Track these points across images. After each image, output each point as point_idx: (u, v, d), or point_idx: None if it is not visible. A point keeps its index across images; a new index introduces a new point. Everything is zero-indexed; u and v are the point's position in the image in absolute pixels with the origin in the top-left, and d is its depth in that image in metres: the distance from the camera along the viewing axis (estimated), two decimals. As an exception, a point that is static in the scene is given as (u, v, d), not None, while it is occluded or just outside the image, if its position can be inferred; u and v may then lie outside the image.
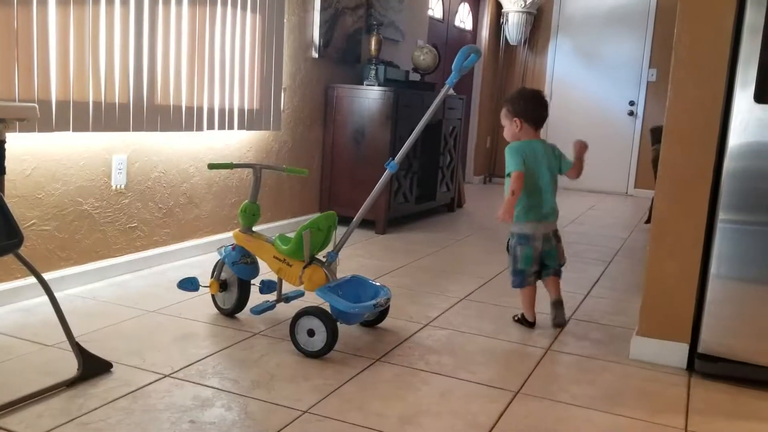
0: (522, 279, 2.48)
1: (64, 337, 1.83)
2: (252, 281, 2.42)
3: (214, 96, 3.24)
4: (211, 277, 2.43)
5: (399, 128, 4.16)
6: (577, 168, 2.48)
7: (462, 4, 6.80)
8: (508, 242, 2.52)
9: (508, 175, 2.39)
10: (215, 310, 2.45)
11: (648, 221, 4.98)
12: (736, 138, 2.03)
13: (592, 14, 7.27)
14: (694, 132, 2.10)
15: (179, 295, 2.56)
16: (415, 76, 4.86)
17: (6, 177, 1.71)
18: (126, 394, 1.74)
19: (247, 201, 2.41)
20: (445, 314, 2.62)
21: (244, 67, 3.43)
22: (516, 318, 2.56)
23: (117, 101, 2.70)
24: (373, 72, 4.29)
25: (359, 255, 3.54)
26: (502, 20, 7.39)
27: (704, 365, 2.11)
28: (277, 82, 3.70)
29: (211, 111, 3.22)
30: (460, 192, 5.43)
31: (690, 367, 2.16)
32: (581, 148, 2.48)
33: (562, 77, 7.46)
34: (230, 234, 2.96)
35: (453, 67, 2.30)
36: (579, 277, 3.34)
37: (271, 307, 2.36)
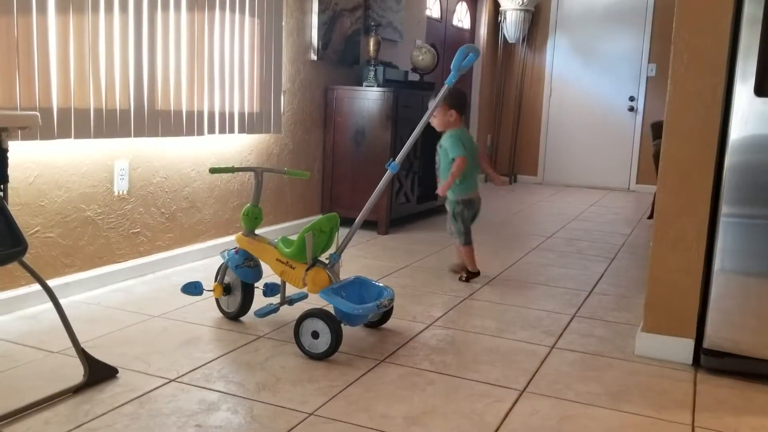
0: (467, 236, 3.10)
1: (69, 344, 1.83)
2: (255, 284, 2.42)
3: (215, 100, 3.24)
4: (215, 280, 2.43)
5: (399, 129, 4.17)
6: (484, 161, 3.27)
7: (459, 3, 6.80)
8: (453, 211, 3.09)
9: (452, 160, 2.97)
10: (219, 314, 2.45)
11: (651, 217, 4.98)
12: (737, 132, 2.02)
13: (590, 10, 7.27)
14: (695, 126, 2.10)
15: (183, 300, 2.57)
16: (414, 76, 4.86)
17: (9, 185, 1.72)
18: (132, 400, 1.75)
19: (249, 204, 2.41)
20: (448, 314, 2.62)
21: (243, 71, 3.43)
22: (462, 278, 3.09)
23: (118, 107, 2.71)
24: (372, 73, 4.29)
25: (362, 256, 3.54)
26: (500, 18, 7.39)
27: (710, 360, 2.11)
28: (276, 85, 3.70)
29: (211, 115, 3.23)
30: (461, 191, 5.43)
31: (696, 362, 2.16)
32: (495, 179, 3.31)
33: (562, 74, 7.46)
34: (233, 237, 2.96)
35: (452, 66, 2.30)
36: (582, 274, 3.34)
37: (274, 309, 2.37)
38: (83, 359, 1.82)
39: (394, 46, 5.06)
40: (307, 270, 2.22)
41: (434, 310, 2.64)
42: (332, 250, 2.29)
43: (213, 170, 2.36)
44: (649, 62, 7.01)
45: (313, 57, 4.06)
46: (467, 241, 3.11)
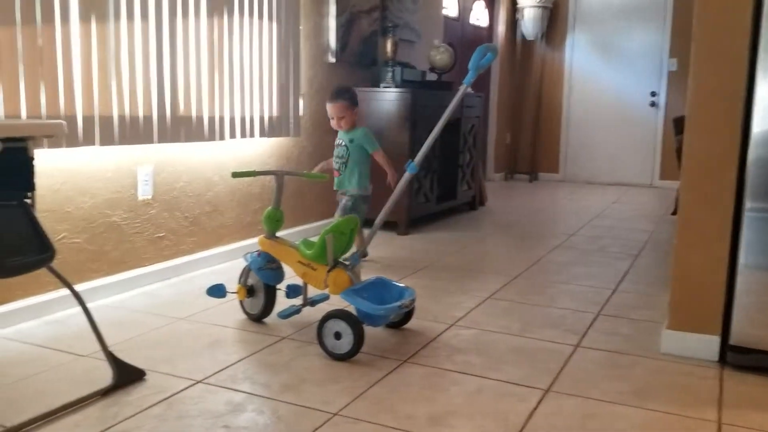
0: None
1: (97, 347, 1.87)
2: (278, 286, 2.45)
3: (235, 105, 3.28)
4: (238, 283, 2.46)
5: (417, 129, 4.17)
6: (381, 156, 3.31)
7: (477, 1, 6.78)
8: (352, 204, 3.16)
9: (369, 154, 3.21)
10: (243, 316, 2.48)
11: (674, 213, 4.92)
12: (759, 125, 2.00)
13: (608, 6, 7.20)
14: (717, 121, 2.07)
15: (208, 302, 2.60)
16: (431, 76, 4.86)
17: (36, 192, 1.75)
18: (160, 401, 1.78)
19: (270, 207, 2.44)
20: (470, 314, 2.62)
21: (262, 76, 3.46)
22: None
23: (141, 114, 2.75)
24: (389, 74, 4.30)
25: (382, 257, 3.55)
26: (517, 16, 7.36)
27: (736, 357, 2.08)
28: (295, 89, 3.73)
29: (232, 120, 3.26)
30: (481, 190, 5.42)
31: (722, 359, 2.13)
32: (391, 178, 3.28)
33: (581, 71, 7.39)
34: (255, 240, 2.99)
35: (470, 66, 2.29)
36: (606, 272, 3.31)
37: (297, 311, 2.39)
38: (111, 362, 1.85)
39: (411, 47, 5.06)
40: (328, 271, 2.24)
41: (456, 310, 2.64)
42: (354, 250, 2.30)
43: (235, 174, 2.39)
44: (670, 57, 6.93)
45: (331, 59, 4.08)
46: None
